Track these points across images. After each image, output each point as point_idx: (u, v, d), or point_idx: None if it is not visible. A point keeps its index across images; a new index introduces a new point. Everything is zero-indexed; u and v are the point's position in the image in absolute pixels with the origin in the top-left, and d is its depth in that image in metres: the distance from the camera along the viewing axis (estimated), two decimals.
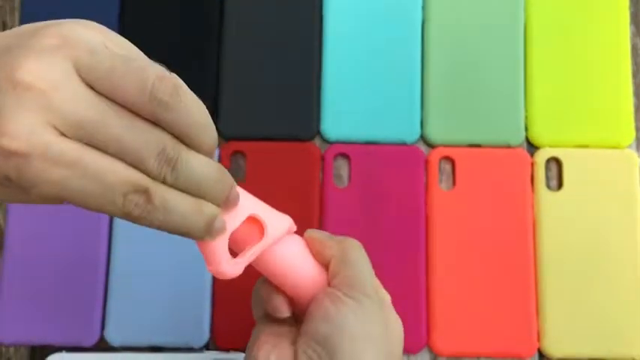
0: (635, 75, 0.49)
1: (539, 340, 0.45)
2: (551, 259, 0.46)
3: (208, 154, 0.27)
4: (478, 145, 0.48)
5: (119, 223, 0.46)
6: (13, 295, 0.45)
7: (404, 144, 0.48)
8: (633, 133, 0.48)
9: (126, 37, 0.51)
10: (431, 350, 0.46)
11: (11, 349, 0.46)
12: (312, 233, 0.34)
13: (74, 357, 0.45)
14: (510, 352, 0.45)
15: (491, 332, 0.45)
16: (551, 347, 0.45)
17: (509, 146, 0.48)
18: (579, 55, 0.49)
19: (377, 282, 0.34)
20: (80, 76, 0.24)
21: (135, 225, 0.36)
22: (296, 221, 0.47)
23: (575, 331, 0.45)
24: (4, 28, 0.50)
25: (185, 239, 0.30)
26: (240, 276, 0.45)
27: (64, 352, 0.45)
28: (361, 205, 0.47)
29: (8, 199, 0.26)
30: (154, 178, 0.25)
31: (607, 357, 0.45)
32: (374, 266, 0.45)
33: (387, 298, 0.34)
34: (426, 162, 0.48)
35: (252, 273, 0.45)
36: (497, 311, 0.45)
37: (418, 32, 0.49)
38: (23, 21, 0.49)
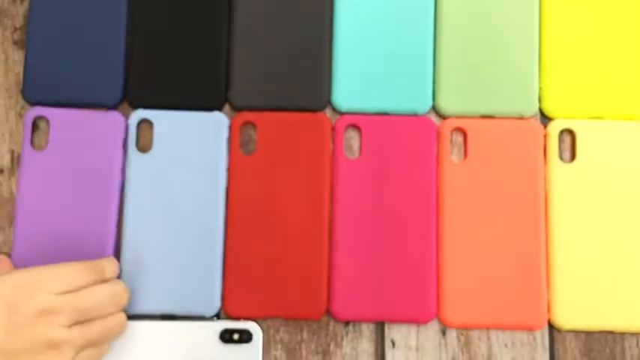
0: None
1: (549, 312, 0.45)
2: (563, 231, 0.46)
3: None
4: (491, 116, 0.47)
5: (130, 193, 0.46)
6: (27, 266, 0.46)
7: (415, 115, 0.48)
8: None
9: (136, 7, 0.51)
10: (440, 321, 0.46)
11: None
12: None
13: None
14: (520, 324, 0.45)
15: (502, 304, 0.45)
16: (561, 319, 0.45)
17: (522, 117, 0.47)
18: (594, 25, 0.48)
19: None
20: None
21: (145, 196, 0.46)
22: (307, 192, 0.47)
23: (585, 303, 0.45)
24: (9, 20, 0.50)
25: (195, 213, 0.45)
26: (252, 246, 0.45)
27: None
28: (372, 176, 0.47)
29: None
30: None
31: (617, 329, 0.45)
32: (384, 237, 0.46)
33: None
34: (438, 133, 0.47)
35: (265, 246, 0.45)
36: (507, 283, 0.45)
37: (431, 2, 0.48)
38: (32, 12, 0.49)
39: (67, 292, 0.39)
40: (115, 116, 0.47)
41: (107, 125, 0.47)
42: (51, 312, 0.37)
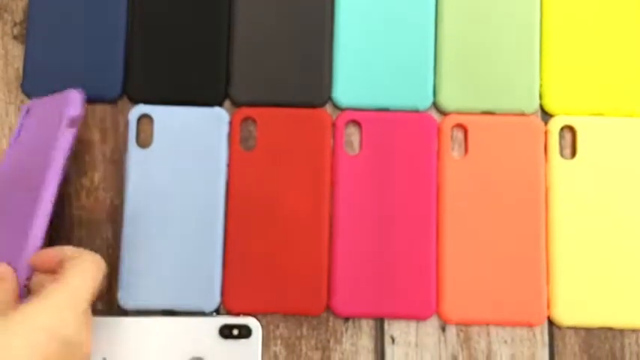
0: None
1: (549, 308, 0.45)
2: (563, 227, 0.46)
3: None
4: (491, 113, 0.47)
5: (129, 188, 0.46)
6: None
7: (416, 111, 0.47)
8: None
9: (136, 2, 0.50)
10: (440, 318, 0.46)
11: None
12: None
13: None
14: (520, 320, 0.45)
15: (501, 300, 0.45)
16: (561, 316, 0.45)
17: (523, 114, 0.47)
18: (595, 21, 0.48)
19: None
20: None
21: (145, 192, 0.46)
22: (307, 188, 0.47)
23: (585, 299, 0.45)
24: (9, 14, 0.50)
25: (195, 209, 0.45)
26: (252, 242, 0.45)
27: None
28: (372, 172, 0.47)
29: None
30: None
31: (617, 326, 0.45)
32: (385, 234, 0.46)
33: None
34: (439, 129, 0.47)
35: (265, 241, 0.45)
36: (507, 279, 0.45)
37: None
38: (32, 7, 0.49)
39: None
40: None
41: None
42: None
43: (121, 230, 0.46)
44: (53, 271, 0.37)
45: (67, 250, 0.38)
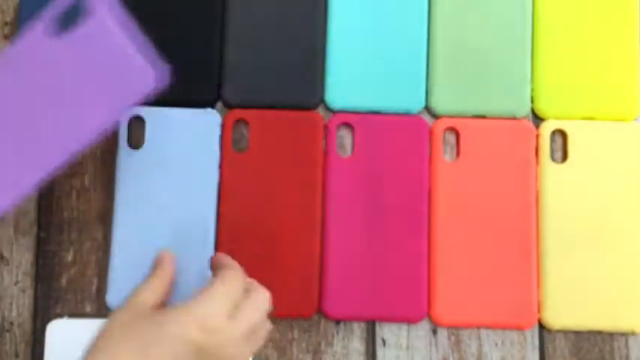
0: None
1: (539, 311, 0.45)
2: (554, 231, 0.46)
3: None
4: (483, 116, 0.47)
5: (120, 190, 0.46)
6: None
7: (408, 114, 0.48)
8: None
9: (129, 6, 0.50)
10: (431, 321, 0.46)
11: (13, 314, 0.46)
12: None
13: (75, 323, 0.45)
14: (510, 323, 0.45)
15: (492, 303, 0.45)
16: (551, 319, 0.45)
17: (514, 117, 0.47)
18: (587, 26, 0.48)
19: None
20: None
21: (136, 194, 0.46)
22: (299, 190, 0.47)
23: (575, 303, 0.45)
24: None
25: (187, 210, 0.45)
26: (243, 244, 0.45)
27: (65, 317, 0.45)
28: (364, 175, 0.47)
29: None
30: None
31: (607, 329, 0.45)
32: (376, 236, 0.46)
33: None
34: (431, 132, 0.47)
35: (256, 244, 0.45)
36: (498, 283, 0.45)
37: (425, 1, 0.48)
38: (23, 6, 0.48)
39: (231, 316, 0.37)
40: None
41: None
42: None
43: (110, 232, 0.46)
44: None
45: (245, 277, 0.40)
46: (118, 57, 0.37)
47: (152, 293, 0.38)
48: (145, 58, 0.37)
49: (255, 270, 0.45)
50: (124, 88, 0.37)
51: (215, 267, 0.41)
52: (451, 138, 0.48)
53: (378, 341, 0.46)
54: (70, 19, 0.38)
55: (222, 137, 0.47)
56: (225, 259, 0.41)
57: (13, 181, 0.38)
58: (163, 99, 0.47)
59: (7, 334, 0.46)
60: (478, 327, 0.46)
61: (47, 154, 0.38)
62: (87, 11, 0.37)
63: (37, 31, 0.38)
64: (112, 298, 0.45)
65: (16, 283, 0.47)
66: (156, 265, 0.41)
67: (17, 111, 0.38)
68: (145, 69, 0.36)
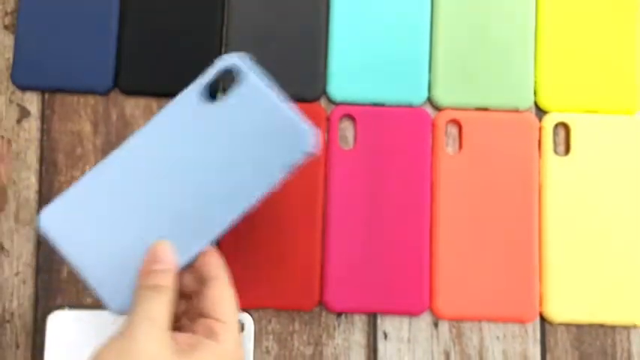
0: None
1: (541, 305, 0.45)
2: (556, 224, 0.46)
3: None
4: (486, 109, 0.47)
5: None
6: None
7: (411, 106, 0.47)
8: None
9: (128, 2, 0.49)
10: (432, 313, 0.46)
11: (14, 305, 0.46)
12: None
13: (76, 314, 0.45)
14: (512, 316, 0.45)
15: (494, 297, 0.45)
16: (553, 312, 0.45)
17: (517, 110, 0.47)
18: (590, 19, 0.48)
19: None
20: None
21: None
22: (301, 182, 0.47)
23: (577, 296, 0.45)
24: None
25: None
26: (244, 236, 0.45)
27: (66, 308, 0.45)
28: (366, 167, 0.46)
29: None
30: None
31: (608, 322, 0.45)
32: (378, 228, 0.45)
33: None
34: (433, 125, 0.47)
35: (257, 236, 0.45)
36: (500, 276, 0.45)
37: None
38: (22, 6, 0.48)
39: None
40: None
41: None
42: None
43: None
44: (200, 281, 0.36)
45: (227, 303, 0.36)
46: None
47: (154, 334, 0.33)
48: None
49: (257, 263, 0.45)
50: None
51: (201, 269, 0.37)
52: (453, 130, 0.47)
53: (380, 334, 0.46)
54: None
55: None
56: (215, 265, 0.37)
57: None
58: (163, 91, 0.47)
59: (8, 325, 0.46)
60: (479, 320, 0.46)
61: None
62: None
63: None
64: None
65: (17, 274, 0.47)
66: (150, 266, 0.35)
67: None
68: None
